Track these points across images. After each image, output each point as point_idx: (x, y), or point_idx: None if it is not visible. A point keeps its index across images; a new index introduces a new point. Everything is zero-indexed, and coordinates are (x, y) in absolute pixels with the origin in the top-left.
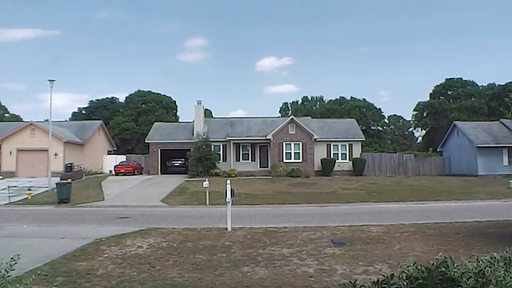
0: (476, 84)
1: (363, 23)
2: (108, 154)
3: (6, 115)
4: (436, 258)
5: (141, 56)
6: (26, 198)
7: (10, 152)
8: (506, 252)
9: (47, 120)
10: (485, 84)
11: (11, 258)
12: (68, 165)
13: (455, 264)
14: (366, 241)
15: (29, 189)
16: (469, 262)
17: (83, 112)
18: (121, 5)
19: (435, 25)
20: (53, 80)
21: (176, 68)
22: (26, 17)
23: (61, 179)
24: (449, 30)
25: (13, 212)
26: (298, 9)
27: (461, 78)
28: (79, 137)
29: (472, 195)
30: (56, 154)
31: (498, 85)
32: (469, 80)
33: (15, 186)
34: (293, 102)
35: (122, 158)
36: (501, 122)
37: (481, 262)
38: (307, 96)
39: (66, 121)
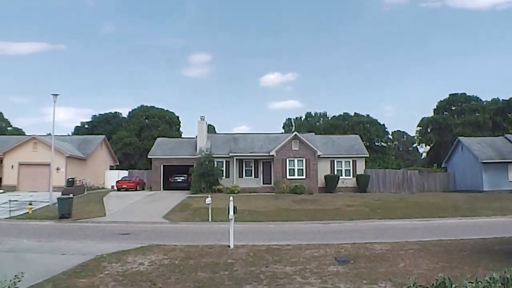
0: (480, 99)
1: (367, 39)
2: (110, 169)
3: (9, 128)
4: (436, 279)
5: (145, 71)
6: (27, 212)
7: (12, 166)
8: (505, 272)
9: (49, 134)
10: (489, 99)
11: (15, 276)
12: (70, 179)
13: (454, 286)
14: (370, 258)
15: (30, 204)
16: (468, 283)
17: (86, 126)
18: (126, 20)
19: (439, 41)
20: (56, 95)
21: (180, 83)
22: (31, 31)
23: (62, 194)
24: (452, 45)
25: (13, 227)
26: (303, 25)
27: (465, 93)
28: (82, 152)
29: (477, 211)
30: (58, 169)
31: (502, 100)
32: (473, 95)
33: (16, 200)
34: (296, 118)
35: (124, 173)
36: (505, 137)
37: (479, 283)
38: (310, 112)
39: (68, 135)
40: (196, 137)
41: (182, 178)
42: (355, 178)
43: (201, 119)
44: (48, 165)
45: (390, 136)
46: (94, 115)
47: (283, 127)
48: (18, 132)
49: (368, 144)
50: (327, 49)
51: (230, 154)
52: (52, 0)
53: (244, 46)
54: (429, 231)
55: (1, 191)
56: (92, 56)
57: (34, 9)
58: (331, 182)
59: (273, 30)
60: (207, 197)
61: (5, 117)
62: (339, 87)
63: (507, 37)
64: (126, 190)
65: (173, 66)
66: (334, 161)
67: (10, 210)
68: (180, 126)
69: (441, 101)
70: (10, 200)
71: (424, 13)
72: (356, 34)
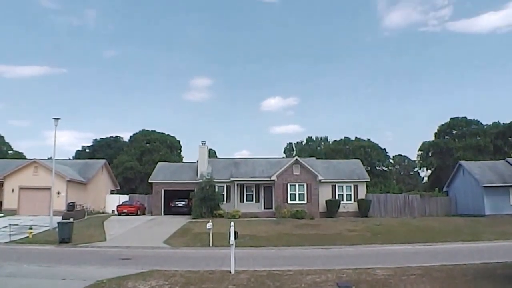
0: (481, 123)
1: (367, 63)
2: (111, 193)
3: (10, 152)
4: None
5: (146, 95)
6: (27, 236)
7: (13, 190)
8: None
9: (50, 158)
10: (490, 123)
11: None
12: (70, 204)
13: None
14: (372, 284)
15: (31, 228)
16: None
17: (87, 150)
18: (128, 44)
19: (439, 65)
20: (58, 119)
21: (182, 107)
22: (33, 54)
23: (63, 218)
24: (452, 70)
25: (13, 251)
26: (303, 50)
27: (465, 117)
28: (82, 176)
29: (479, 236)
30: (58, 193)
31: (503, 123)
32: (474, 119)
33: (17, 224)
34: (297, 142)
35: (125, 197)
36: (507, 161)
37: None
38: (311, 137)
39: (69, 159)
40: (197, 161)
41: (183, 202)
42: (356, 203)
43: (202, 143)
44: (49, 189)
45: (391, 161)
46: (95, 139)
47: (284, 152)
48: (19, 155)
49: (369, 168)
50: (327, 74)
51: (231, 179)
52: (55, 25)
53: (246, 70)
54: (431, 256)
55: (1, 215)
56: (93, 80)
57: (37, 33)
58: (333, 206)
59: (274, 55)
60: (208, 222)
61: (6, 140)
62: (340, 111)
63: (507, 60)
64: (127, 214)
65: (174, 90)
66: (335, 185)
67: (10, 234)
68: (181, 151)
69: (442, 125)
70: (10, 224)
71: (424, 37)
72: (356, 58)
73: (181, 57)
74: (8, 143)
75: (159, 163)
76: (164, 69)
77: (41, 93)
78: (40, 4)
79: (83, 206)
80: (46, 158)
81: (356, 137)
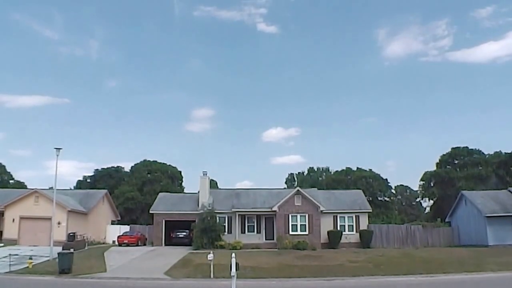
0: (483, 153)
1: (368, 93)
2: (112, 224)
3: (11, 181)
4: None
5: (147, 126)
6: (27, 267)
7: (13, 219)
8: None
9: (51, 188)
10: (492, 152)
11: None
12: (71, 234)
13: None
14: None
15: (30, 258)
16: None
17: (88, 180)
18: (130, 75)
19: (440, 95)
20: (59, 148)
21: (183, 138)
22: (36, 84)
23: (63, 249)
24: (454, 99)
25: (13, 281)
26: (304, 80)
27: (467, 147)
28: (83, 206)
29: (483, 266)
30: (59, 223)
31: (505, 153)
32: (475, 149)
33: (17, 254)
34: (299, 172)
35: (126, 228)
36: (509, 191)
37: None
38: (313, 167)
39: (70, 189)
40: (199, 192)
41: (184, 233)
42: (358, 234)
43: (203, 174)
44: (50, 219)
45: (393, 191)
46: (97, 169)
47: (286, 182)
48: (20, 185)
49: (371, 199)
50: (329, 104)
51: (233, 210)
52: (57, 55)
53: (247, 101)
54: (435, 287)
55: (2, 244)
56: (95, 110)
57: (39, 63)
58: (334, 237)
59: (275, 86)
60: (209, 253)
61: (8, 170)
62: (341, 141)
63: (508, 90)
64: (128, 245)
65: (176, 121)
66: (337, 216)
67: (10, 264)
68: (182, 181)
69: (443, 155)
70: (10, 254)
71: (425, 67)
72: (357, 88)
73: (183, 88)
74: (9, 172)
75: (160, 193)
76: (165, 100)
77: (43, 122)
78: (43, 35)
79: (83, 237)
80: (47, 188)
81: (357, 168)
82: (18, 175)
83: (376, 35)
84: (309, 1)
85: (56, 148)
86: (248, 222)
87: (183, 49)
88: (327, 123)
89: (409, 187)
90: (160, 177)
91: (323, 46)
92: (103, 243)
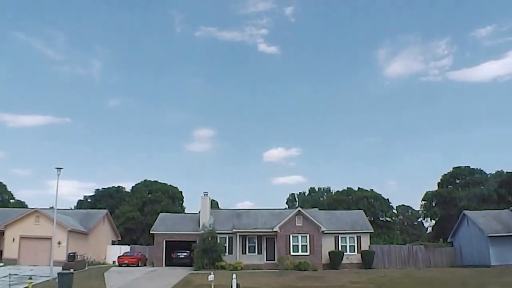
0: (484, 172)
1: (369, 113)
2: (112, 244)
3: (12, 200)
4: None
5: (148, 145)
6: (27, 287)
7: (13, 239)
8: None
9: (52, 208)
10: (493, 172)
11: None
12: (71, 254)
13: None
14: None
15: (30, 278)
16: None
17: (89, 200)
18: (131, 95)
19: (441, 114)
20: (60, 168)
21: (184, 158)
22: (38, 104)
23: (63, 269)
24: (455, 119)
25: None
26: (305, 100)
27: (468, 166)
28: (84, 226)
29: (486, 287)
30: (59, 243)
31: (506, 172)
32: (477, 168)
33: (16, 274)
34: (300, 193)
35: (126, 248)
36: (511, 210)
37: None
38: (314, 187)
39: (71, 209)
40: (199, 212)
41: (185, 254)
42: (360, 254)
43: (204, 194)
44: (50, 239)
45: (394, 211)
46: (97, 189)
47: (287, 203)
48: (21, 204)
49: (372, 219)
50: (330, 124)
51: (233, 230)
52: (59, 74)
53: (248, 122)
54: None
55: (2, 264)
56: (96, 130)
57: (41, 83)
58: (336, 258)
59: (276, 106)
60: (210, 273)
61: (9, 189)
62: (342, 161)
63: (509, 108)
64: (128, 265)
65: (177, 141)
66: (338, 237)
67: (10, 284)
68: (183, 201)
69: (445, 174)
70: (10, 274)
71: (425, 87)
72: (358, 108)
73: (184, 108)
74: (10, 191)
75: (160, 213)
76: (167, 120)
77: (44, 142)
78: (45, 54)
79: (83, 257)
80: (48, 207)
81: (358, 188)
82: (18, 195)
83: (377, 55)
84: (309, 21)
85: (57, 168)
86: (249, 243)
87: (185, 69)
88: (328, 143)
89: (411, 207)
90: (160, 197)
91: (323, 67)
92: (104, 263)
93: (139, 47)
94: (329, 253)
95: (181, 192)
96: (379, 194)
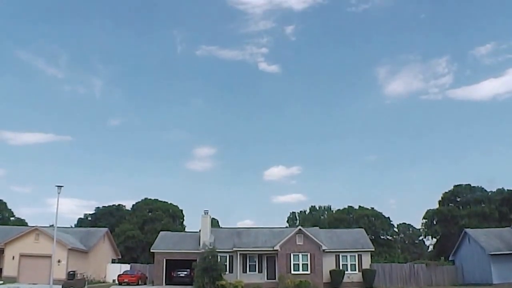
0: (485, 190)
1: (370, 131)
2: (112, 262)
3: (12, 218)
4: None
5: (149, 164)
6: None
7: (13, 257)
8: None
9: (52, 226)
10: (494, 190)
11: None
12: (71, 272)
13: None
14: None
15: None
16: None
17: (89, 218)
18: (133, 113)
19: (441, 132)
20: (61, 186)
21: (184, 176)
22: (39, 122)
23: (63, 287)
24: (455, 137)
25: None
26: (306, 119)
27: (469, 184)
28: (84, 244)
29: None
30: (59, 261)
31: (507, 189)
32: (478, 186)
33: None
34: (300, 211)
35: (127, 267)
36: None
37: None
38: (315, 206)
39: (71, 227)
40: (200, 231)
41: (185, 273)
42: (361, 273)
43: (205, 213)
44: (50, 257)
45: (395, 229)
46: (98, 207)
47: (287, 221)
48: (21, 222)
49: (373, 237)
50: (330, 143)
51: (234, 249)
52: (61, 92)
53: (248, 140)
54: None
55: (1, 282)
56: (97, 148)
57: (43, 101)
58: (337, 277)
59: (276, 125)
60: None
61: (9, 207)
62: (343, 180)
63: (509, 126)
64: (128, 284)
65: (177, 159)
66: (339, 255)
67: None
68: (183, 220)
69: (445, 192)
70: None
71: (425, 105)
72: (359, 126)
73: (184, 127)
74: (10, 209)
75: (161, 232)
76: (167, 138)
77: (45, 160)
78: (46, 73)
79: (83, 275)
80: (48, 225)
81: (359, 206)
82: (19, 212)
83: (377, 74)
84: (309, 40)
85: (57, 186)
86: (249, 261)
87: (185, 88)
88: (329, 162)
89: (412, 225)
90: (161, 215)
91: (324, 85)
92: (103, 282)
93: (140, 66)
94: (330, 272)
95: (181, 211)
96: (380, 212)
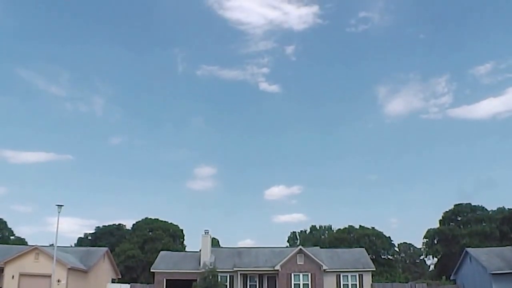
0: (486, 209)
1: (370, 150)
2: (112, 282)
3: (12, 237)
4: None
5: (149, 183)
6: None
7: (13, 276)
8: None
9: (52, 245)
10: (495, 208)
11: None
12: None
13: None
14: None
15: None
16: None
17: (89, 237)
18: (134, 132)
19: (441, 151)
20: (61, 205)
21: (184, 195)
22: (40, 141)
23: None
24: (455, 156)
25: None
26: (307, 139)
27: (470, 203)
28: (84, 264)
29: None
30: (59, 281)
31: (508, 208)
32: (479, 205)
33: None
34: (301, 231)
35: (127, 287)
36: None
37: None
38: (315, 225)
39: (71, 246)
40: (200, 250)
41: None
42: None
43: (205, 232)
44: (50, 276)
45: (396, 249)
46: (98, 227)
47: (288, 241)
48: (21, 241)
49: (374, 257)
50: (331, 162)
51: (235, 269)
52: (62, 111)
53: (249, 159)
54: None
55: None
56: (98, 167)
57: (44, 119)
58: None
59: (277, 144)
60: None
61: (9, 226)
62: (344, 199)
63: (509, 145)
64: None
65: (178, 178)
66: (340, 275)
67: None
68: (184, 240)
69: (446, 211)
70: None
71: (426, 124)
72: (359, 146)
73: (185, 146)
74: (10, 228)
75: (161, 252)
76: (168, 158)
77: (45, 178)
78: (48, 91)
79: None
80: (48, 244)
81: (360, 225)
82: (18, 231)
83: (377, 93)
84: (310, 60)
85: (57, 205)
86: (250, 281)
87: (186, 108)
88: (330, 181)
89: (413, 245)
90: (161, 235)
91: (324, 104)
92: None
93: (141, 85)
94: None
95: (182, 230)
96: (380, 231)
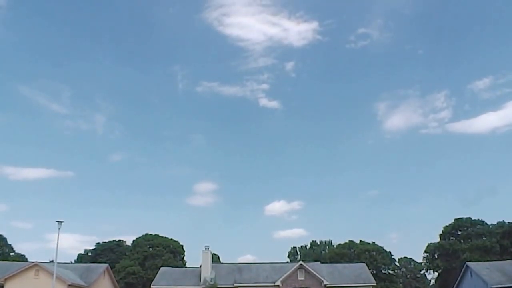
0: (486, 223)
1: (370, 166)
2: None
3: (12, 254)
4: None
5: (150, 199)
6: None
7: None
8: None
9: (52, 261)
10: (495, 222)
11: None
12: None
13: None
14: None
15: None
16: None
17: (89, 254)
18: (134, 149)
19: (441, 165)
20: (61, 222)
21: (185, 211)
22: (40, 157)
23: None
24: (455, 170)
25: None
26: (307, 155)
27: (470, 218)
28: (84, 280)
29: None
30: None
31: (508, 222)
32: (479, 219)
33: None
34: (302, 246)
35: None
36: None
37: None
38: (316, 240)
39: (71, 262)
40: (201, 266)
41: None
42: None
43: (205, 248)
44: None
45: (397, 263)
46: (98, 243)
47: (288, 256)
48: (21, 258)
49: (374, 272)
50: (331, 178)
51: (235, 285)
52: (63, 128)
53: (250, 175)
54: None
55: None
56: (98, 184)
57: (45, 136)
58: None
59: (277, 160)
60: None
61: (9, 242)
62: (344, 214)
63: (508, 159)
64: None
65: (178, 194)
66: None
67: None
68: (184, 255)
69: (446, 226)
70: None
71: (425, 139)
72: (359, 161)
73: (185, 163)
74: (10, 244)
75: (162, 268)
76: (168, 174)
77: (45, 195)
78: (49, 109)
79: None
80: (48, 261)
81: (360, 240)
82: (18, 248)
83: (377, 109)
84: (309, 76)
85: (58, 221)
86: None
87: (186, 124)
88: (330, 196)
89: (413, 259)
90: (162, 251)
91: (324, 120)
92: None
93: (141, 102)
94: None
95: (182, 246)
96: (381, 246)
